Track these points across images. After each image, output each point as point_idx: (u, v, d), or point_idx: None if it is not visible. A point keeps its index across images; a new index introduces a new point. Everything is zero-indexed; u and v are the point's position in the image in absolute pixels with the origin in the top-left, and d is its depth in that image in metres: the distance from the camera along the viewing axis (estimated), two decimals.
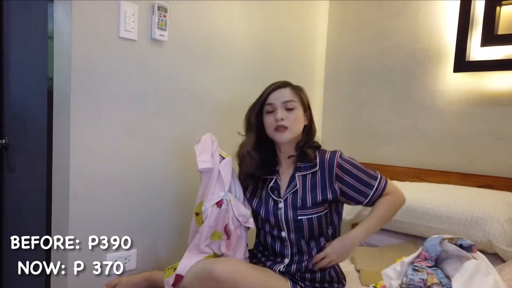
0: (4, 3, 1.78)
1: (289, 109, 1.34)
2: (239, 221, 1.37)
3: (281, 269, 1.33)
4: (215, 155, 1.42)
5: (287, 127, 1.32)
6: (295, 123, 1.34)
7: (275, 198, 1.38)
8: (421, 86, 2.09)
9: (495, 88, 1.88)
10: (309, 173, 1.37)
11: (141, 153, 1.57)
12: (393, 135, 2.20)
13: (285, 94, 1.35)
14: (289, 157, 1.40)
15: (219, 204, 1.36)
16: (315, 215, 1.33)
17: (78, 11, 1.35)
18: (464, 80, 1.96)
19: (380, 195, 1.35)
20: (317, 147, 1.41)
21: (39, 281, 1.55)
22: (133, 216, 1.57)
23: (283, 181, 1.41)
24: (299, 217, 1.33)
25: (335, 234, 1.40)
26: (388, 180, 1.38)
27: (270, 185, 1.40)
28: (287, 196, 1.36)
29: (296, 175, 1.37)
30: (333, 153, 1.37)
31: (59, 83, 1.41)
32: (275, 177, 1.41)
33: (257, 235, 1.49)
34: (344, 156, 1.37)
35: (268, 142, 1.42)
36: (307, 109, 1.40)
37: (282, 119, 1.32)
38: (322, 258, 1.31)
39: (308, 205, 1.33)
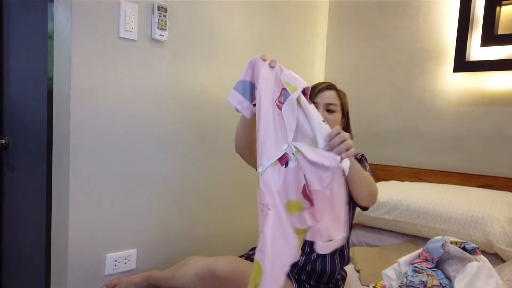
0: (4, 3, 1.77)
1: (330, 111, 1.33)
2: (325, 171, 0.96)
3: None
4: (265, 92, 1.00)
5: None
6: (333, 125, 1.30)
7: None
8: (421, 86, 2.09)
9: (495, 88, 1.88)
10: None
11: (141, 153, 1.57)
12: (393, 135, 2.20)
13: (331, 96, 1.35)
14: None
15: (282, 161, 0.98)
16: None
17: (78, 11, 1.35)
18: (464, 80, 1.96)
19: None
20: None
21: (39, 281, 1.55)
22: (133, 216, 1.57)
23: None
24: None
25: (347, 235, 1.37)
26: None
27: None
28: None
29: None
30: (357, 153, 1.37)
31: (59, 83, 1.41)
32: None
33: None
34: (365, 159, 1.38)
35: None
36: (345, 115, 1.40)
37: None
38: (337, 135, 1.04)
39: None
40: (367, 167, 1.37)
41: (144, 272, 1.51)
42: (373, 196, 1.22)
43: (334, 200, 0.98)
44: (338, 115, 1.36)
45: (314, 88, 1.36)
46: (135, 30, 1.49)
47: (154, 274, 1.48)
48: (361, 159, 1.37)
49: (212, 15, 1.75)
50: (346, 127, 1.42)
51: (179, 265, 1.41)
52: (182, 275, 1.35)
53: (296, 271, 1.33)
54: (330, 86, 1.38)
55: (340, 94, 1.40)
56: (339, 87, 1.44)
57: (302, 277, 1.33)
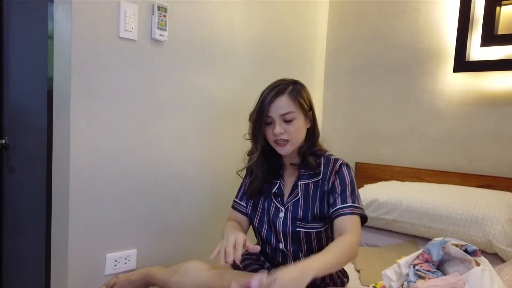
0: (4, 3, 1.78)
1: (288, 121, 1.25)
2: None
3: None
4: None
5: (287, 139, 1.26)
6: (295, 134, 1.26)
7: (278, 205, 1.33)
8: (421, 86, 2.09)
9: (495, 88, 1.88)
10: (312, 181, 1.30)
11: (140, 153, 1.57)
12: (393, 135, 2.20)
13: (283, 104, 1.24)
14: (291, 164, 1.35)
15: None
16: (314, 230, 1.27)
17: (78, 11, 1.35)
18: (464, 80, 1.96)
19: (344, 214, 1.21)
20: (321, 153, 1.33)
21: (39, 281, 1.56)
22: (133, 216, 1.57)
23: (287, 187, 1.35)
24: (297, 229, 1.27)
25: None
26: (359, 219, 1.24)
27: (273, 191, 1.35)
28: (289, 205, 1.31)
29: (299, 183, 1.31)
30: (337, 160, 1.30)
31: (59, 83, 1.41)
32: (279, 182, 1.35)
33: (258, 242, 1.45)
34: (347, 167, 1.29)
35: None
36: (308, 112, 1.29)
37: (281, 133, 1.24)
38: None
39: (308, 219, 1.27)
40: (347, 175, 1.27)
41: (143, 269, 1.49)
42: (353, 256, 1.18)
43: None
44: (299, 121, 1.26)
45: (264, 98, 1.26)
46: (135, 30, 1.49)
47: (152, 273, 1.45)
48: (340, 167, 1.27)
49: (212, 15, 1.75)
50: (313, 125, 1.33)
51: (176, 268, 1.37)
52: (179, 284, 1.31)
53: None
54: (280, 91, 1.25)
55: (294, 94, 1.25)
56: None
57: None
